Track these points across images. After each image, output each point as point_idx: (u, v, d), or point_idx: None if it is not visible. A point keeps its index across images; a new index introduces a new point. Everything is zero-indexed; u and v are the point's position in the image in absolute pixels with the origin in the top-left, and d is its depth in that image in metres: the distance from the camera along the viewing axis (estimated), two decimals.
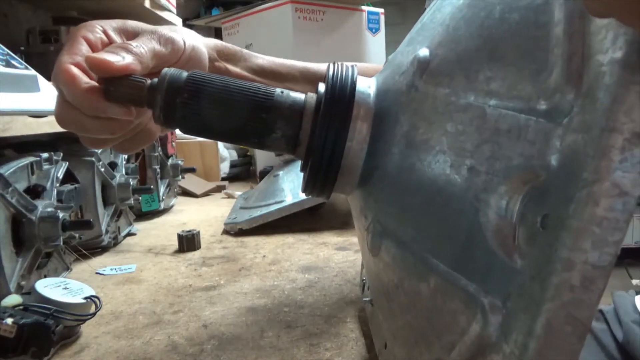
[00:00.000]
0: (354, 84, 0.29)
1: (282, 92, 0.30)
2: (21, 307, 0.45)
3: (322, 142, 0.28)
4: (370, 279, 0.37)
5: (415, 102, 0.26)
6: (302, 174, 0.32)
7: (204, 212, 1.10)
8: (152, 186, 0.96)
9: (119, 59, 0.30)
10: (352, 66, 0.31)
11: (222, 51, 0.45)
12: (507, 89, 0.21)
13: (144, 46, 0.33)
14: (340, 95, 0.28)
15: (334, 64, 0.31)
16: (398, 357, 0.31)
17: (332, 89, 0.29)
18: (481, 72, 0.22)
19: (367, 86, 0.30)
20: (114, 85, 0.30)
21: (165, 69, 0.30)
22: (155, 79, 0.30)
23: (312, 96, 0.31)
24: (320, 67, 0.50)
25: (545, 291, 0.17)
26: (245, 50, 0.48)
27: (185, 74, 0.30)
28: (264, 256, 0.75)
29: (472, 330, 0.21)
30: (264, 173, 1.23)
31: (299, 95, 0.30)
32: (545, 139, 0.18)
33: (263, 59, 0.49)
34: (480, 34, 0.23)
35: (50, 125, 0.61)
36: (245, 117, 0.29)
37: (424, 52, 0.26)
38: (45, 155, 0.61)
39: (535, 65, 0.19)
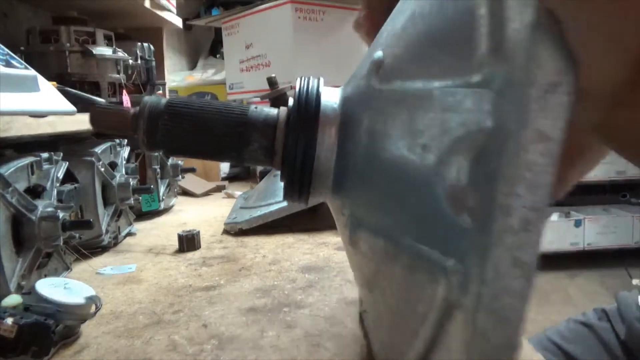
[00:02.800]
0: (319, 94, 0.32)
1: (256, 108, 0.33)
2: (21, 307, 0.45)
3: (294, 150, 0.30)
4: (356, 277, 0.38)
5: (374, 100, 0.29)
6: None
7: (204, 212, 1.10)
8: (152, 186, 0.96)
9: None
10: (319, 78, 0.33)
11: None
12: (447, 70, 0.23)
13: None
14: (307, 105, 0.31)
15: (301, 78, 0.33)
16: (383, 342, 0.31)
17: (299, 100, 0.31)
18: (425, 60, 0.25)
19: (333, 95, 0.32)
20: (101, 114, 0.32)
21: (146, 98, 0.32)
22: (137, 108, 0.32)
23: (284, 109, 0.33)
24: None
25: (490, 238, 0.19)
26: None
27: (164, 100, 0.32)
28: (264, 256, 0.75)
29: (439, 295, 0.22)
30: (264, 173, 1.23)
31: (272, 110, 0.33)
32: (479, 106, 0.21)
33: None
34: (423, 28, 0.25)
35: (50, 125, 0.61)
36: (222, 133, 0.32)
37: (377, 54, 0.29)
38: (45, 155, 0.61)
39: (468, 45, 0.22)
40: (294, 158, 0.31)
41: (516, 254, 0.19)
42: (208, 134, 0.31)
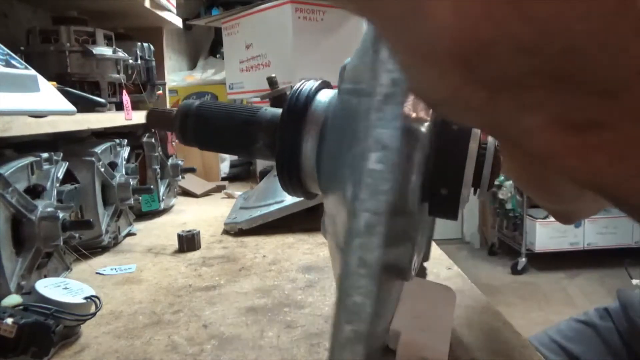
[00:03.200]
0: (309, 96, 0.34)
1: (265, 110, 0.37)
2: (21, 307, 0.45)
3: (281, 146, 0.34)
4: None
5: (340, 102, 0.33)
6: None
7: (204, 212, 1.10)
8: (152, 186, 0.96)
9: None
10: (318, 81, 0.37)
11: None
12: (361, 80, 0.27)
13: None
14: (296, 106, 0.34)
15: (301, 80, 0.37)
16: None
17: (290, 101, 0.34)
18: (359, 70, 0.28)
19: (325, 97, 0.35)
20: (153, 115, 0.40)
21: (184, 101, 0.38)
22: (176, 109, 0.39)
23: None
24: None
25: (345, 238, 0.21)
26: None
27: (197, 103, 0.38)
28: (264, 256, 0.75)
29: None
30: (264, 173, 1.23)
31: (277, 111, 0.36)
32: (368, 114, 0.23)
33: None
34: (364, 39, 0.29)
35: (50, 125, 0.61)
36: (234, 132, 0.37)
37: (346, 61, 0.32)
38: (45, 155, 0.61)
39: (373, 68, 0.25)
40: (282, 153, 0.34)
41: (361, 254, 0.21)
42: (224, 133, 0.37)
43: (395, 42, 0.18)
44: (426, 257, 0.51)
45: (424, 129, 0.29)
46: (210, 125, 0.37)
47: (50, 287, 0.49)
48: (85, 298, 0.50)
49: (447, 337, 0.39)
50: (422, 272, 0.51)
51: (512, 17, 0.15)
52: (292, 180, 0.35)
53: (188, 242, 0.80)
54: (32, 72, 0.60)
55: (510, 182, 2.92)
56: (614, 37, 0.16)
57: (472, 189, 0.34)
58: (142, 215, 1.03)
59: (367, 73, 0.25)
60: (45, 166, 0.61)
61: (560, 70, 0.17)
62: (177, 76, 1.90)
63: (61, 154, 0.65)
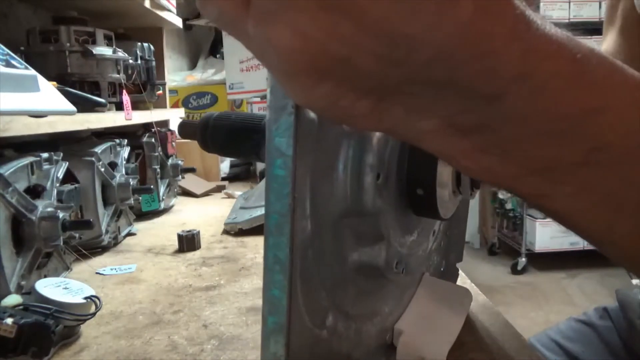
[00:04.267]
0: None
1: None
2: (21, 307, 0.45)
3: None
4: None
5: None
6: None
7: (204, 212, 1.10)
8: (152, 186, 0.96)
9: None
10: None
11: None
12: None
13: None
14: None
15: None
16: None
17: None
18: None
19: None
20: (183, 126, 0.44)
21: (206, 113, 0.43)
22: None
23: None
24: None
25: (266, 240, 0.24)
26: None
27: (216, 114, 0.42)
28: None
29: None
30: (264, 173, 1.23)
31: None
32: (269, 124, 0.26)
33: None
34: None
35: (50, 125, 0.61)
36: (243, 139, 0.40)
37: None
38: (45, 155, 0.61)
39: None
40: None
41: (275, 252, 0.24)
42: (235, 140, 0.40)
43: (264, 63, 0.20)
44: (459, 258, 0.51)
45: (374, 134, 0.31)
46: (225, 134, 0.41)
47: (50, 287, 0.49)
48: (85, 298, 0.50)
49: (450, 339, 0.39)
50: (454, 272, 0.50)
51: (359, 35, 0.16)
52: None
53: (188, 242, 0.80)
54: (32, 72, 0.60)
55: None
56: (485, 45, 0.17)
57: (452, 189, 0.34)
58: (142, 215, 1.03)
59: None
60: (45, 166, 0.61)
61: (435, 78, 0.18)
62: (177, 76, 1.90)
63: (61, 154, 0.65)
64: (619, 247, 0.23)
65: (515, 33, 0.17)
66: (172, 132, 1.15)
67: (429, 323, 0.41)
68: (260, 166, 1.42)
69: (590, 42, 0.20)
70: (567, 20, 2.98)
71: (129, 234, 0.90)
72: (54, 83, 0.67)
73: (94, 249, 0.77)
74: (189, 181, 1.30)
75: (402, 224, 0.36)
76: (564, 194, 0.21)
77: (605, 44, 0.59)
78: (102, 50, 0.88)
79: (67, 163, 0.67)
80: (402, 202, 0.35)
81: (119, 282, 0.66)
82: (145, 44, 1.10)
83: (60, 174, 0.64)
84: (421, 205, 0.35)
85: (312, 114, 0.24)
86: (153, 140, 1.04)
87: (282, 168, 0.23)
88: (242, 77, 1.51)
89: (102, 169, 0.77)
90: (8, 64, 0.57)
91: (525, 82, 0.18)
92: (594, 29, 2.92)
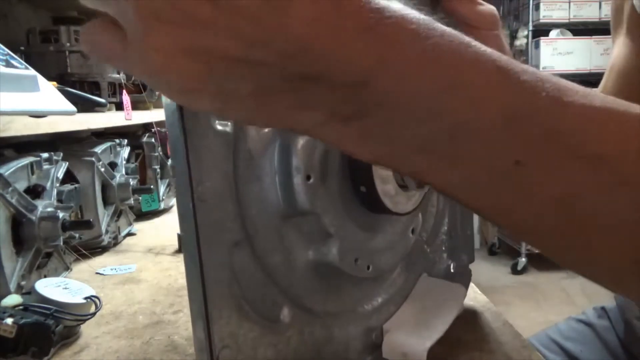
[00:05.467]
0: None
1: None
2: (21, 307, 0.45)
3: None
4: None
5: None
6: None
7: None
8: (152, 186, 0.96)
9: None
10: None
11: None
12: None
13: None
14: None
15: None
16: None
17: None
18: None
19: None
20: None
21: None
22: None
23: None
24: None
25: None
26: None
27: None
28: None
29: None
30: None
31: None
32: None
33: None
34: None
35: (50, 125, 0.61)
36: None
37: None
38: (45, 155, 0.61)
39: None
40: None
41: (187, 248, 0.32)
42: None
43: (154, 87, 0.23)
44: (471, 258, 0.50)
45: (299, 139, 0.32)
46: None
47: (50, 287, 0.49)
48: (85, 298, 0.50)
49: (434, 335, 0.40)
50: (465, 273, 0.50)
51: (216, 44, 0.18)
52: None
53: None
54: (32, 72, 0.60)
55: None
56: (336, 39, 0.18)
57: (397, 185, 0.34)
58: (142, 215, 1.03)
59: None
60: (45, 166, 0.61)
61: (304, 72, 0.19)
62: None
63: (61, 154, 0.65)
64: (503, 219, 0.24)
65: (364, 25, 0.19)
66: None
67: (416, 321, 0.41)
68: None
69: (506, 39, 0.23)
70: (567, 20, 2.97)
71: (129, 234, 0.90)
72: (54, 83, 0.67)
73: (94, 249, 0.77)
74: None
75: (359, 222, 0.36)
76: (442, 170, 0.22)
77: (617, 48, 0.59)
78: None
79: (67, 163, 0.67)
80: (355, 200, 0.35)
81: (119, 282, 0.66)
82: None
83: (60, 174, 0.64)
84: (366, 201, 0.35)
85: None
86: (153, 140, 1.04)
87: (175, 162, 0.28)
88: None
89: (102, 169, 0.77)
90: (8, 64, 0.57)
91: (384, 68, 0.19)
92: (594, 29, 2.93)
